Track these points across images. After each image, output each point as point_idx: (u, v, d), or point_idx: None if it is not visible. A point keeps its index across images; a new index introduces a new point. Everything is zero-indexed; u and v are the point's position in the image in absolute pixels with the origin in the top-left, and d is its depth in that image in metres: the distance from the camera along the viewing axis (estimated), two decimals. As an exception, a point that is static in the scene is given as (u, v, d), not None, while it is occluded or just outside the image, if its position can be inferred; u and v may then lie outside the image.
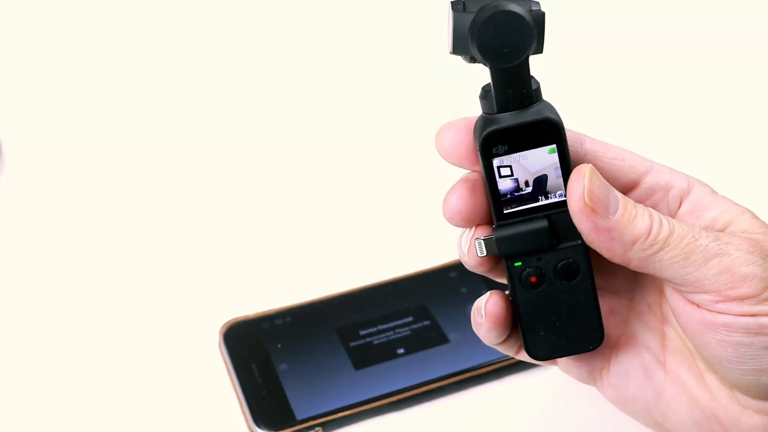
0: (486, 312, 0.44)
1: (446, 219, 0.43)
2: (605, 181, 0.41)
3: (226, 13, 0.73)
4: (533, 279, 0.42)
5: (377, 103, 0.73)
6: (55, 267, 0.61)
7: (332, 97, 0.73)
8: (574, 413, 0.54)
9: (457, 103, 0.67)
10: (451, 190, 0.42)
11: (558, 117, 0.40)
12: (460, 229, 0.44)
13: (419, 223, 0.66)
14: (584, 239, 0.41)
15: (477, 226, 0.43)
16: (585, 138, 0.43)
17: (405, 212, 0.66)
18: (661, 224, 0.41)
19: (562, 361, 0.47)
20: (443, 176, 0.66)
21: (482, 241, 0.42)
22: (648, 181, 0.44)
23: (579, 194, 0.40)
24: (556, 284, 0.42)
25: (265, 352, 0.55)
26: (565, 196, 0.40)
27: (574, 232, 0.41)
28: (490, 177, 0.40)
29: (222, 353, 0.56)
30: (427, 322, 0.57)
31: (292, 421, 0.53)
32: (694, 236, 0.41)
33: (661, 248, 0.41)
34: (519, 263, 0.42)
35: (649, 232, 0.41)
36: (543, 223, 0.41)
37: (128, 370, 0.56)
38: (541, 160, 0.40)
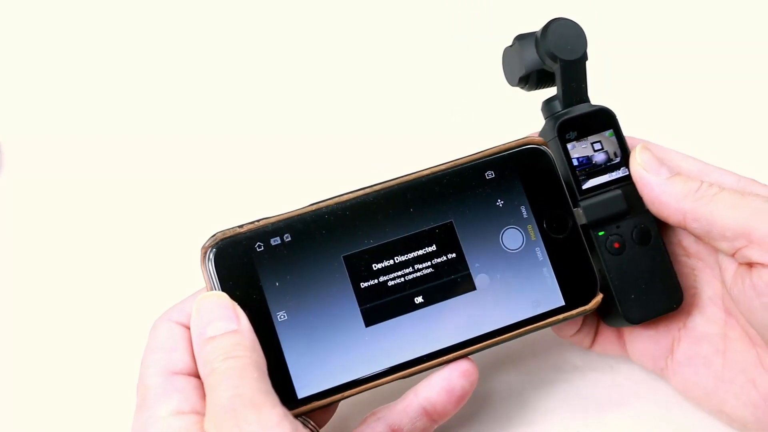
0: None
1: None
2: (658, 155, 0.48)
3: (227, 13, 0.73)
4: (617, 245, 0.48)
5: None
6: (55, 266, 0.61)
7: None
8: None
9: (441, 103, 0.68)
10: None
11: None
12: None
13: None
14: (643, 199, 0.48)
15: None
16: (645, 142, 0.50)
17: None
18: (710, 185, 0.46)
19: (632, 350, 0.51)
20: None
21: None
22: None
23: (634, 158, 0.48)
24: (636, 249, 0.48)
25: (260, 293, 0.44)
26: (628, 171, 0.49)
27: (640, 202, 0.48)
28: (567, 158, 0.48)
29: (209, 283, 0.44)
30: (452, 255, 0.46)
31: (292, 402, 0.43)
32: (743, 194, 0.45)
33: (711, 199, 0.45)
34: (602, 232, 0.48)
35: (698, 188, 0.46)
36: (617, 192, 0.48)
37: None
38: (603, 142, 0.49)
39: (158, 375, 0.41)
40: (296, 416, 0.43)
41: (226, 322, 0.41)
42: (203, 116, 0.68)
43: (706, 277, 0.50)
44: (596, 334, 0.53)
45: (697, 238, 0.48)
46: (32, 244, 0.62)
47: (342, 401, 0.45)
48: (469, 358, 0.45)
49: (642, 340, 0.51)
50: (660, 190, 0.47)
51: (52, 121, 0.68)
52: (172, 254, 0.59)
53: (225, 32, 0.73)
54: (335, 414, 0.49)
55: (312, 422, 0.45)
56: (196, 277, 0.46)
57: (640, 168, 0.48)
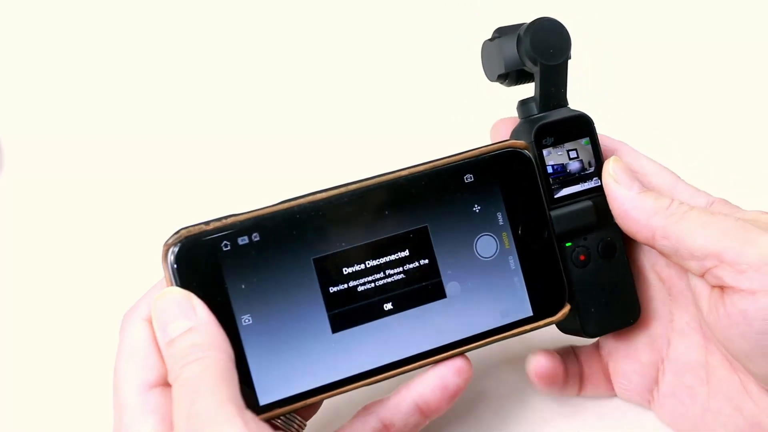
0: (534, 375, 0.49)
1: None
2: (632, 166, 0.47)
3: (227, 13, 0.73)
4: (582, 257, 0.47)
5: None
6: (55, 266, 0.61)
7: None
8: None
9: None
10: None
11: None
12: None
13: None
14: (612, 212, 0.47)
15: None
16: (622, 145, 0.49)
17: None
18: (681, 203, 0.45)
19: (618, 388, 0.51)
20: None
21: None
22: None
23: (607, 169, 0.47)
24: (600, 262, 0.47)
25: (225, 295, 0.42)
26: (600, 182, 0.47)
27: (609, 215, 0.47)
28: (541, 164, 0.47)
29: (170, 282, 0.42)
30: (425, 261, 0.45)
31: (254, 409, 0.41)
32: (713, 214, 0.44)
33: (681, 217, 0.44)
34: (569, 243, 0.47)
35: (669, 206, 0.45)
36: (588, 203, 0.47)
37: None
38: (579, 150, 0.48)
39: (133, 392, 0.40)
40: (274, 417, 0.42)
41: (182, 320, 0.40)
42: (202, 116, 0.68)
43: (681, 303, 0.49)
44: (583, 380, 0.52)
45: (665, 257, 0.46)
46: (32, 243, 0.62)
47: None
48: (464, 356, 0.45)
49: (628, 377, 0.50)
50: (631, 204, 0.46)
51: (52, 121, 0.68)
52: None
53: (222, 34, 0.73)
54: (326, 407, 0.48)
55: (299, 418, 0.45)
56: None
57: (611, 180, 0.47)
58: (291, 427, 0.45)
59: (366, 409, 0.45)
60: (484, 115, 0.59)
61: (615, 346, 0.50)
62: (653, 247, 0.46)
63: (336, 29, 0.73)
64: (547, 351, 0.49)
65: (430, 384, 0.44)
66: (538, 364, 0.47)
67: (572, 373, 0.51)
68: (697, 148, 0.66)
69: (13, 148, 0.67)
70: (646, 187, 0.47)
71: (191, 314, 0.40)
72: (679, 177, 0.49)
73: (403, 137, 0.66)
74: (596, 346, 0.52)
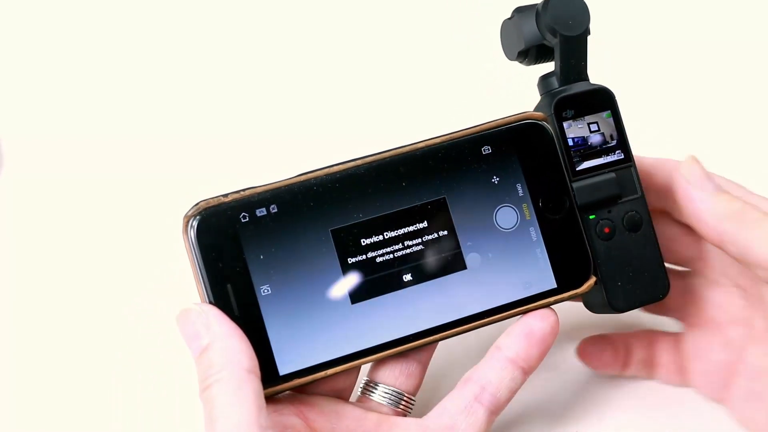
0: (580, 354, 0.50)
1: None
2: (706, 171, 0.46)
3: (227, 13, 0.73)
4: (607, 230, 0.47)
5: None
6: (55, 266, 0.61)
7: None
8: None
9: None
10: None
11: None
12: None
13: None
14: (683, 212, 0.47)
15: None
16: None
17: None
18: (754, 208, 0.45)
19: (694, 380, 0.51)
20: None
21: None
22: None
23: (682, 168, 0.47)
24: (625, 235, 0.47)
25: (244, 265, 0.42)
26: (623, 154, 0.47)
27: (633, 187, 0.47)
28: (562, 137, 0.46)
29: (190, 253, 0.42)
30: (443, 232, 0.44)
31: (273, 379, 0.42)
32: None
33: (753, 226, 0.44)
34: (593, 216, 0.46)
35: (742, 210, 0.44)
36: (611, 175, 0.47)
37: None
38: (600, 123, 0.47)
39: None
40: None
41: (197, 339, 0.40)
42: (202, 116, 0.68)
43: (758, 308, 0.49)
44: (654, 365, 0.52)
45: (735, 260, 0.46)
46: (32, 243, 0.62)
47: (428, 367, 0.46)
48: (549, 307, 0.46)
49: (702, 375, 0.50)
50: (703, 206, 0.46)
51: (52, 121, 0.68)
52: (173, 253, 0.58)
53: (223, 32, 0.73)
54: (426, 382, 0.48)
55: (407, 394, 0.46)
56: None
57: (684, 180, 0.47)
58: (399, 405, 0.46)
59: (463, 378, 0.46)
60: (501, 102, 0.59)
61: (693, 343, 0.51)
62: (722, 250, 0.46)
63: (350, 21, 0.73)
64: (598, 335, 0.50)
65: (515, 333, 0.45)
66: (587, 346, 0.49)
67: (643, 356, 0.52)
68: (697, 149, 0.66)
69: (13, 148, 0.67)
70: (720, 187, 0.47)
71: (203, 332, 0.40)
72: (747, 189, 0.48)
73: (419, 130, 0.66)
74: (677, 339, 0.52)
